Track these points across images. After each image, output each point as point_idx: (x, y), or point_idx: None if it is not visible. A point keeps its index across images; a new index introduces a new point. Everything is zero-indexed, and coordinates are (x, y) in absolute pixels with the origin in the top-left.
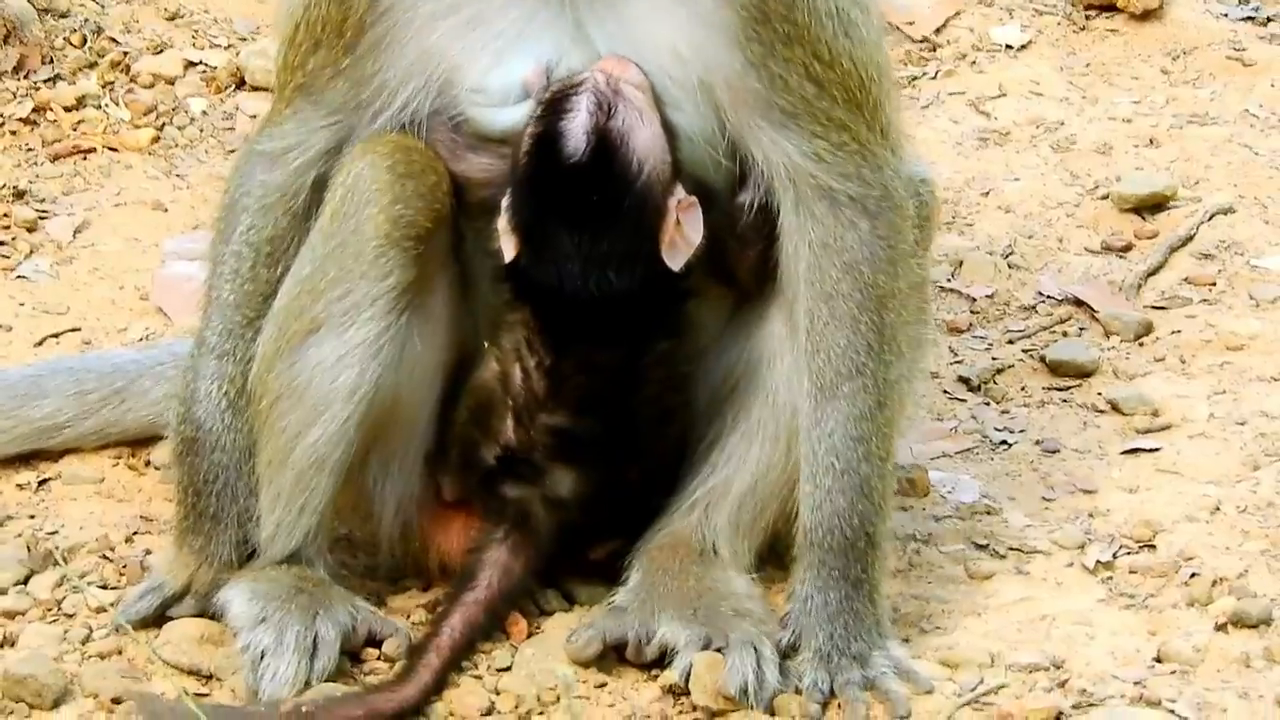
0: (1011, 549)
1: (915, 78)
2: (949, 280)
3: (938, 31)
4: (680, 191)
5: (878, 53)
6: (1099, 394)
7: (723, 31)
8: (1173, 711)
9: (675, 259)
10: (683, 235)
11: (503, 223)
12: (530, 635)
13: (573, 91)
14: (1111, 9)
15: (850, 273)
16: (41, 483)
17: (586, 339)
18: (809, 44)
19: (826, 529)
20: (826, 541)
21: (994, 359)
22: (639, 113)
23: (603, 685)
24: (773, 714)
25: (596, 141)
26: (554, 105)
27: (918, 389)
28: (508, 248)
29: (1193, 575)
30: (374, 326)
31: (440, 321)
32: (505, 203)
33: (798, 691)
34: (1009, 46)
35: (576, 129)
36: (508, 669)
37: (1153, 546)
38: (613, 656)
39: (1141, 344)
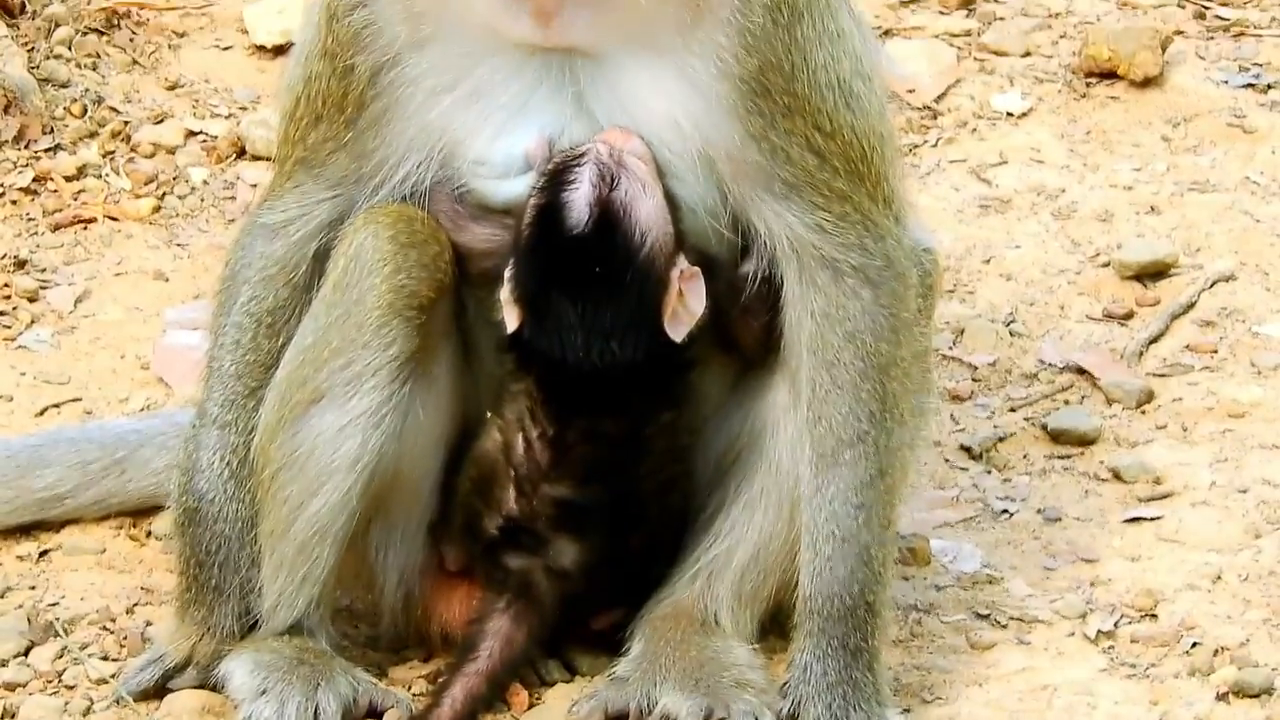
0: (1013, 618)
1: (916, 145)
2: (951, 348)
3: (938, 99)
4: (683, 262)
5: (880, 123)
6: (1101, 462)
7: (722, 104)
8: None
9: (678, 330)
10: (685, 306)
11: (505, 293)
12: (532, 706)
13: (575, 163)
14: (1112, 76)
15: (852, 341)
16: (42, 553)
17: (589, 409)
18: (810, 116)
19: (826, 596)
20: (826, 609)
21: (996, 427)
22: (641, 184)
23: None
24: None
25: (599, 212)
26: (557, 176)
27: (920, 457)
28: (510, 318)
29: (1194, 644)
30: (376, 396)
31: (443, 391)
32: (508, 273)
33: None
34: (1010, 114)
35: (579, 200)
36: None
37: (1154, 615)
38: None
39: (1143, 412)
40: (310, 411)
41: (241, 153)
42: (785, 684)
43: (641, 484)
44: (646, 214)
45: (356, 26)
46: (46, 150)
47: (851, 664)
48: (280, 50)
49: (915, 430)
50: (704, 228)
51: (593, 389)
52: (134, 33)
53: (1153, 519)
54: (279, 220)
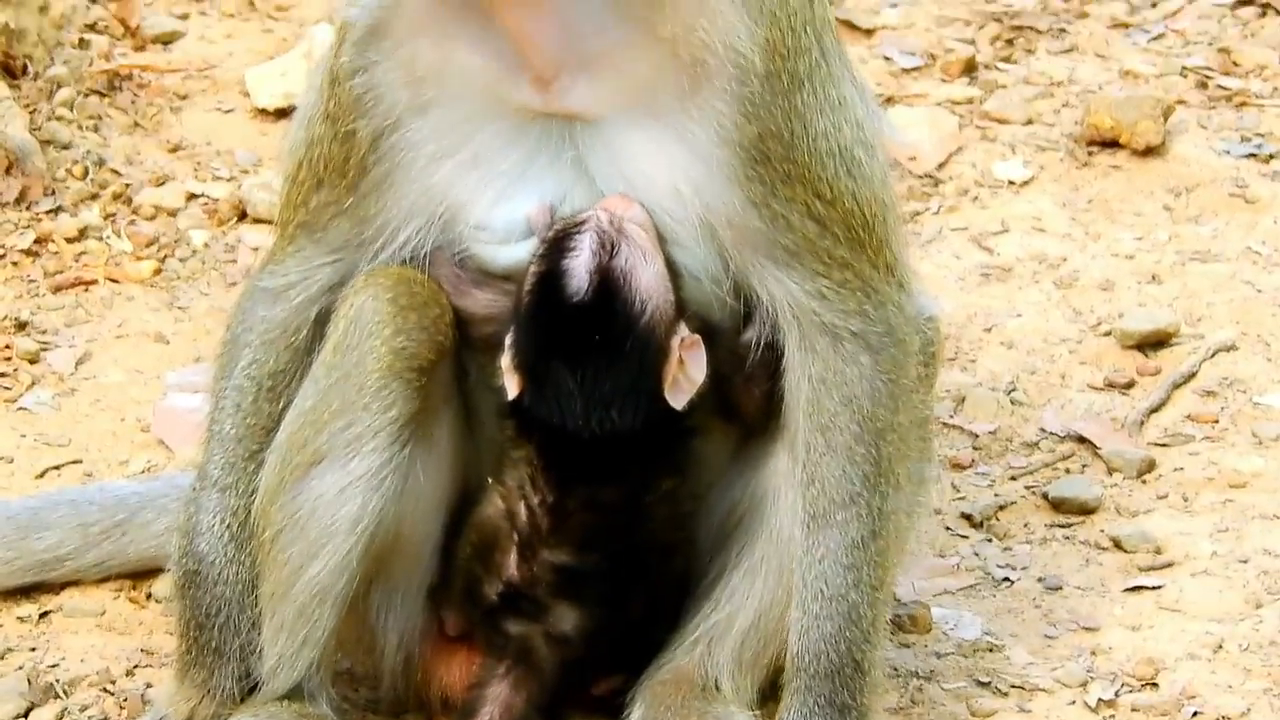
0: (1014, 686)
1: (918, 213)
2: (951, 416)
3: (940, 167)
4: (683, 330)
5: (883, 190)
6: (1101, 531)
7: (722, 170)
8: None
9: (678, 398)
10: (686, 374)
11: (506, 360)
12: None
13: (576, 230)
14: (1114, 145)
15: (849, 406)
16: (42, 615)
17: (589, 476)
18: (810, 183)
19: (813, 654)
20: (813, 667)
21: (996, 495)
22: (642, 251)
23: None
24: None
25: (599, 280)
26: (557, 243)
27: (920, 525)
28: (511, 385)
29: (1195, 714)
30: (377, 458)
31: (444, 454)
32: (508, 340)
33: None
34: (1011, 182)
35: (579, 267)
36: None
37: (1155, 685)
38: None
39: (1144, 481)
40: (311, 473)
41: (243, 216)
42: None
43: (642, 551)
44: (647, 282)
45: (358, 91)
46: (48, 212)
47: None
48: (282, 113)
49: (913, 497)
50: (706, 295)
51: (593, 456)
52: (136, 95)
53: (1154, 588)
54: (280, 284)
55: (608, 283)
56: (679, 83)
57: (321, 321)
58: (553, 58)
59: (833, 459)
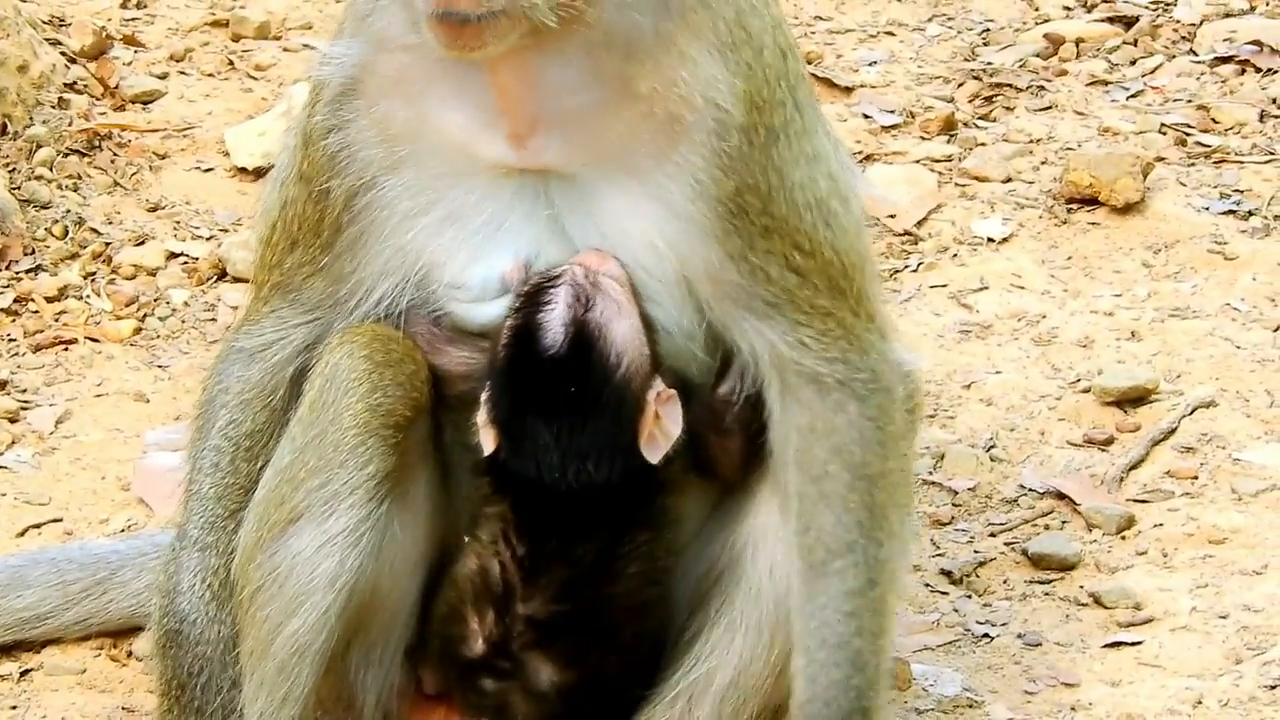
0: None
1: (897, 270)
2: (931, 473)
3: (919, 224)
4: (659, 384)
5: (859, 242)
6: (1081, 587)
7: (698, 225)
8: None
9: (654, 452)
10: (661, 428)
11: (482, 416)
12: None
13: (551, 284)
14: (1093, 202)
15: (839, 454)
16: (24, 673)
17: (564, 530)
18: (789, 235)
19: (824, 700)
20: (824, 713)
21: (976, 552)
22: (617, 306)
23: None
24: None
25: (574, 334)
26: (532, 298)
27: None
28: (487, 441)
29: None
30: (354, 515)
31: (421, 511)
32: (484, 396)
33: None
34: (991, 239)
35: (554, 321)
36: None
37: None
38: None
39: (1124, 537)
40: (288, 531)
41: (223, 274)
42: None
43: (617, 606)
44: (622, 336)
45: (332, 150)
46: (28, 271)
47: None
48: (261, 172)
49: (905, 545)
50: (681, 349)
51: (568, 510)
52: (115, 154)
53: (1133, 644)
54: (256, 345)
55: (583, 336)
56: (655, 140)
57: (298, 381)
58: (529, 114)
59: (827, 508)
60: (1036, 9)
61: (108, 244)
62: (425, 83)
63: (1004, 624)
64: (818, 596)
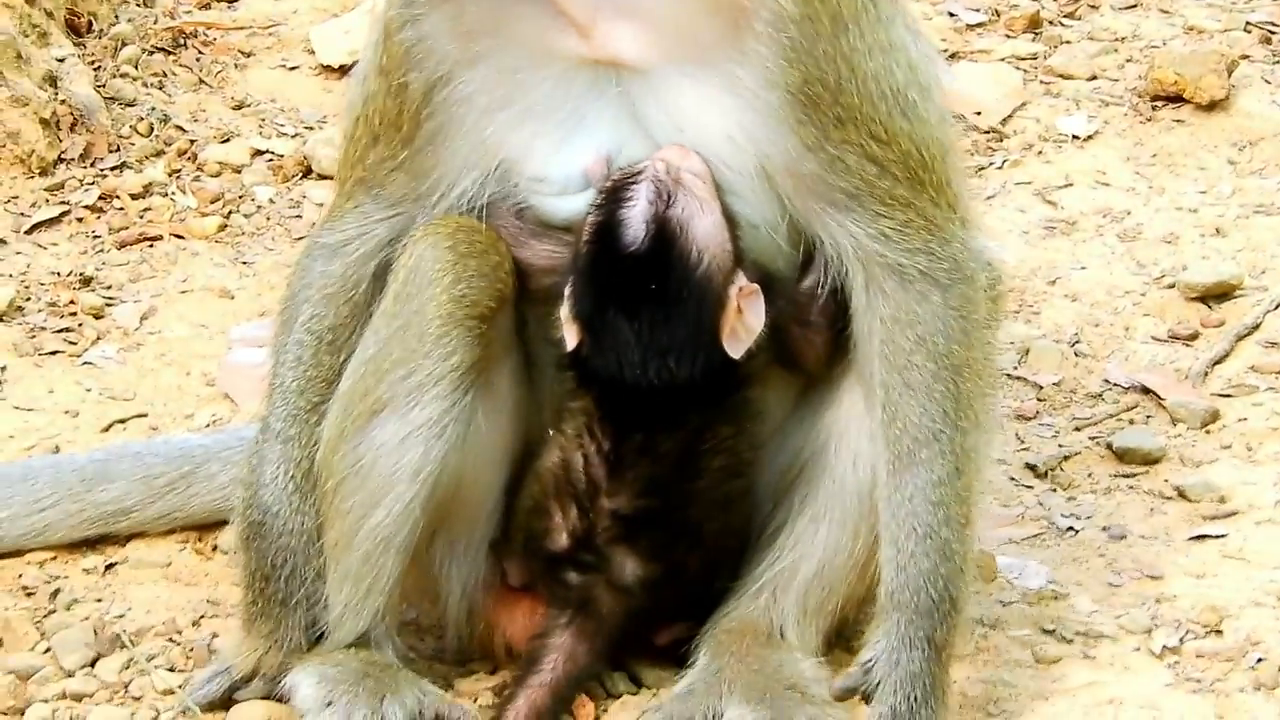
0: (1078, 634)
1: (982, 168)
2: (1015, 368)
3: (1004, 122)
4: (741, 279)
5: (940, 131)
6: (1165, 481)
7: (774, 116)
8: None
9: (736, 347)
10: (744, 323)
11: (564, 311)
12: (597, 718)
13: (633, 180)
14: (1178, 99)
15: (923, 345)
16: (108, 566)
17: (647, 426)
18: (864, 124)
19: (913, 590)
20: (914, 602)
21: (1061, 446)
22: (699, 201)
23: None
24: None
25: (656, 230)
26: (614, 194)
27: (985, 473)
28: (569, 336)
29: (1259, 660)
30: (438, 406)
31: (505, 403)
32: (567, 291)
33: None
34: (1075, 137)
35: (636, 218)
36: None
37: (1219, 631)
38: None
39: (1208, 431)
40: (372, 422)
41: (308, 172)
42: (868, 663)
43: (701, 500)
44: (704, 231)
45: (408, 43)
46: (113, 168)
47: (934, 658)
48: (346, 70)
49: (990, 435)
50: (764, 243)
51: (651, 406)
52: (200, 52)
53: (1217, 537)
54: (339, 240)
55: (664, 232)
56: (723, 30)
57: (380, 276)
58: (587, 4)
59: (912, 398)
60: None
61: (193, 141)
62: None
63: (1089, 517)
64: (905, 486)
